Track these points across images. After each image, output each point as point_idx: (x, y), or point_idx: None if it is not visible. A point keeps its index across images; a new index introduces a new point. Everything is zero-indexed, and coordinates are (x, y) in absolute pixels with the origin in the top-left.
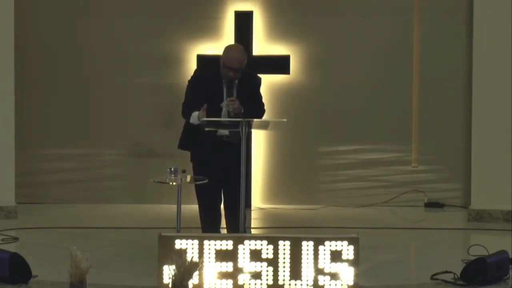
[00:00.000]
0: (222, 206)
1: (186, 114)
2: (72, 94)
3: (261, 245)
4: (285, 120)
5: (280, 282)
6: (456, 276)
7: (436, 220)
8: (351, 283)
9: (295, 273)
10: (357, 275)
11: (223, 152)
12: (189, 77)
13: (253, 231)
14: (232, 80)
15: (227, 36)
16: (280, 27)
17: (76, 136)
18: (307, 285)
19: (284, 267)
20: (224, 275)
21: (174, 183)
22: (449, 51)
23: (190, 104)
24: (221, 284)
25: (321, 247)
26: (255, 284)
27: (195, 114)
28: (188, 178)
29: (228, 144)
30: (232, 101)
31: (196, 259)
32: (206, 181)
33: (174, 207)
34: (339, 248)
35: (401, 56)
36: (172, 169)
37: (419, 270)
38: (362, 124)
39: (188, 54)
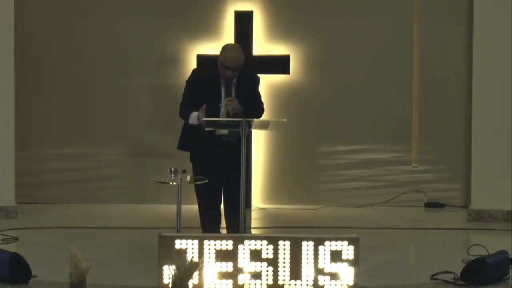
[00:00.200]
0: (222, 206)
1: (185, 114)
2: (72, 94)
3: (261, 245)
4: (285, 120)
5: (280, 282)
6: (456, 276)
7: (436, 220)
8: (351, 283)
9: (295, 273)
10: (357, 275)
11: (223, 151)
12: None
13: (253, 231)
14: (230, 79)
15: (227, 36)
16: (280, 27)
17: (76, 136)
18: (307, 285)
19: (284, 267)
20: (224, 275)
21: (174, 183)
22: (449, 51)
23: (188, 105)
24: (221, 284)
25: (321, 247)
26: (255, 284)
27: (194, 114)
28: (188, 178)
29: (228, 144)
30: (231, 101)
31: (196, 259)
32: (206, 181)
33: (174, 207)
34: (339, 248)
35: (401, 56)
36: (172, 169)
37: (419, 270)
38: (362, 124)
39: (188, 54)
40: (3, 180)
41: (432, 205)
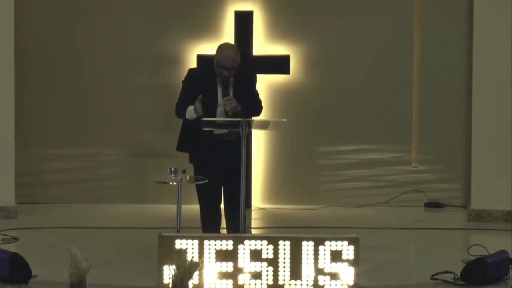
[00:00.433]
0: (222, 206)
1: (181, 111)
2: (72, 94)
3: (261, 245)
4: (285, 120)
5: (280, 282)
6: (456, 276)
7: (436, 220)
8: (351, 283)
9: (295, 273)
10: (357, 275)
11: (223, 151)
12: None
13: (253, 231)
14: (227, 78)
15: (227, 36)
16: (280, 27)
17: (76, 136)
18: (307, 285)
19: (284, 267)
20: (224, 275)
21: (174, 183)
22: (449, 51)
23: (184, 103)
24: (221, 284)
25: (321, 247)
26: (255, 284)
27: (191, 108)
28: (188, 178)
29: (228, 143)
30: (229, 100)
31: (196, 259)
32: (206, 181)
33: (174, 207)
34: (339, 248)
35: (401, 56)
36: (172, 169)
37: (419, 270)
38: (362, 124)
39: (188, 54)
40: (3, 180)
41: (432, 205)
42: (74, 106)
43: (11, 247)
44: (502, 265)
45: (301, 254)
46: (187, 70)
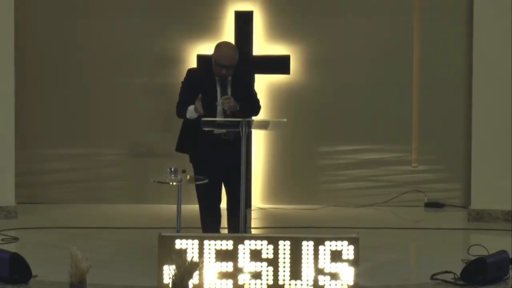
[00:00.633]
0: (224, 206)
1: (182, 111)
2: (72, 94)
3: (261, 245)
4: (285, 120)
5: (280, 282)
6: (456, 276)
7: (436, 220)
8: (351, 283)
9: (295, 273)
10: (357, 275)
11: (222, 150)
12: None
13: (253, 231)
14: (225, 77)
15: (227, 36)
16: (280, 27)
17: (76, 136)
18: (307, 285)
19: (284, 267)
20: (224, 275)
21: (174, 183)
22: (449, 51)
23: (185, 103)
24: (221, 284)
25: (321, 247)
26: (255, 284)
27: (191, 108)
28: (188, 178)
29: (228, 143)
30: (227, 99)
31: (196, 259)
32: (206, 181)
33: (174, 207)
34: (339, 248)
35: (401, 56)
36: (172, 169)
37: (419, 270)
38: (362, 124)
39: (188, 54)
40: (3, 180)
41: (432, 205)
42: (74, 106)
43: (11, 247)
44: (502, 265)
45: (301, 254)
46: (187, 70)
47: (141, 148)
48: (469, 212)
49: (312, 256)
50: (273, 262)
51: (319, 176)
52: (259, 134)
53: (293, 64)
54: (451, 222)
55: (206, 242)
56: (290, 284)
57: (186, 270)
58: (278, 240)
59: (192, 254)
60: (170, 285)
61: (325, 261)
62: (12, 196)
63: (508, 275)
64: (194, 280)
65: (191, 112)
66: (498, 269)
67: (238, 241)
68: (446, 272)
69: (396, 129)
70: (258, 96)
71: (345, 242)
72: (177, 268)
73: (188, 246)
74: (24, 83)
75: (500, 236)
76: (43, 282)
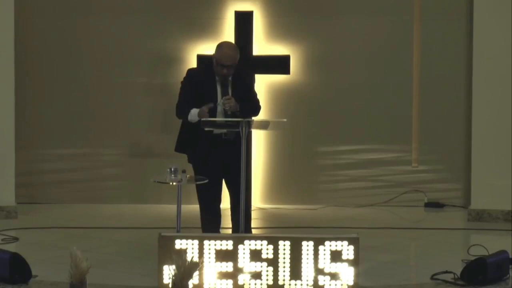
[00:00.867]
0: (223, 206)
1: (183, 112)
2: (72, 94)
3: (261, 245)
4: (285, 120)
5: (280, 282)
6: (456, 276)
7: (436, 220)
8: (351, 283)
9: (295, 273)
10: (357, 275)
11: (222, 150)
12: None
13: (253, 231)
14: (226, 77)
15: (227, 36)
16: (280, 27)
17: (76, 136)
18: (307, 285)
19: (284, 267)
20: (224, 275)
21: (174, 183)
22: (449, 51)
23: (185, 104)
24: (221, 284)
25: (321, 247)
26: (255, 284)
27: (194, 111)
28: (188, 178)
29: (228, 143)
30: (228, 99)
31: (196, 259)
32: (206, 181)
33: (174, 207)
34: (339, 248)
35: (401, 56)
36: (172, 169)
37: (419, 270)
38: (362, 124)
39: (188, 54)
40: (3, 180)
41: (432, 205)
42: (74, 106)
43: (11, 247)
44: (502, 265)
45: (301, 254)
46: (186, 70)
47: (141, 148)
48: (469, 212)
49: (312, 256)
50: (273, 262)
51: (319, 176)
52: (259, 134)
53: (293, 64)
54: (451, 222)
55: (206, 242)
56: (290, 284)
57: (186, 270)
58: (278, 240)
59: (192, 254)
60: (170, 285)
61: (325, 261)
62: (12, 196)
63: (508, 275)
64: (194, 280)
65: (193, 115)
66: (498, 269)
67: (238, 241)
68: (446, 272)
69: (396, 129)
70: (258, 96)
71: (345, 242)
72: (177, 268)
73: (188, 246)
74: (24, 83)
75: (500, 236)
76: (43, 282)
